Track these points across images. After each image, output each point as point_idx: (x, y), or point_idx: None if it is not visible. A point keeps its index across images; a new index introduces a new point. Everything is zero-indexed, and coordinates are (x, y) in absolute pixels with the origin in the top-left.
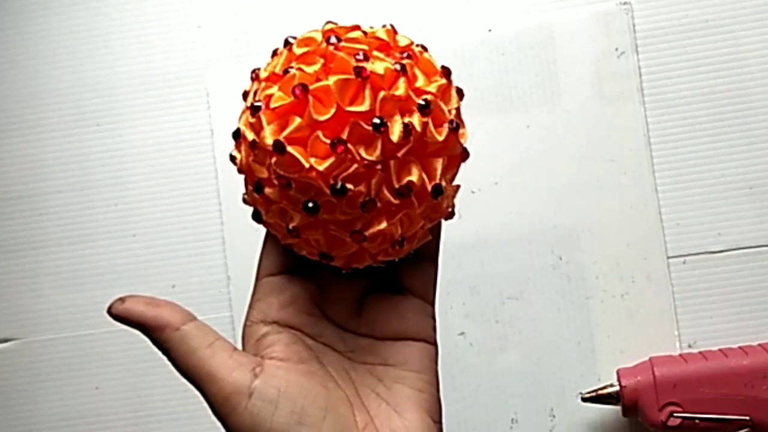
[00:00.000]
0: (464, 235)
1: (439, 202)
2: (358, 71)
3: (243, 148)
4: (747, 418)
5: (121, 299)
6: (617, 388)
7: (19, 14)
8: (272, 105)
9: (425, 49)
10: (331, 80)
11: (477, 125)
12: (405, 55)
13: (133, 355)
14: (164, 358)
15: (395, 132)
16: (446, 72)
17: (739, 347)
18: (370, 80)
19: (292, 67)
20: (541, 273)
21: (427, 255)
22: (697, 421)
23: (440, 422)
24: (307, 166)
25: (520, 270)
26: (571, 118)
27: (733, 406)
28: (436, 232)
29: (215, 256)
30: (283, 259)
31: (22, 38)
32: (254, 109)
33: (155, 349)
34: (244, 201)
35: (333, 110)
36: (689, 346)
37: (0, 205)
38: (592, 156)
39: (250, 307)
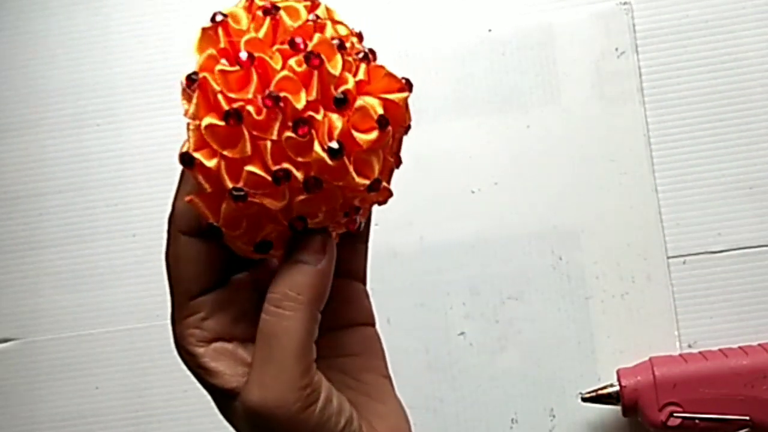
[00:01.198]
0: (464, 235)
1: (340, 163)
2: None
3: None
4: (747, 418)
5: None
6: (617, 388)
7: (19, 14)
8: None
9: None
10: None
11: (477, 125)
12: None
13: (133, 355)
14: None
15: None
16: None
17: (739, 347)
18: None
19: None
20: (541, 273)
21: (359, 236)
22: (697, 421)
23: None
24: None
25: (520, 270)
26: (571, 118)
27: (733, 406)
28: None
29: None
30: (210, 272)
31: (22, 38)
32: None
33: (155, 349)
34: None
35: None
36: (689, 346)
37: (0, 205)
38: (592, 156)
39: (186, 326)
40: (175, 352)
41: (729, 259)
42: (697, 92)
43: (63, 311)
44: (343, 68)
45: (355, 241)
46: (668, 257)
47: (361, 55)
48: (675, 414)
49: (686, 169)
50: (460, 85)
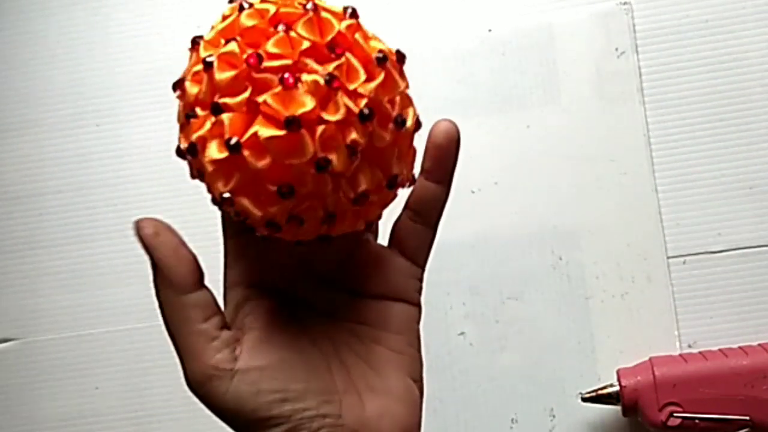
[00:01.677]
0: (464, 235)
1: (394, 192)
2: (290, 122)
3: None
4: (747, 418)
5: (156, 231)
6: (617, 388)
7: (19, 14)
8: (210, 157)
9: (357, 19)
10: (263, 134)
11: (477, 125)
12: (335, 52)
13: (133, 355)
14: (164, 358)
15: (339, 162)
16: (383, 58)
17: (739, 347)
18: (304, 126)
19: (219, 104)
20: (541, 273)
21: (428, 220)
22: (697, 421)
23: (421, 381)
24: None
25: (520, 270)
26: (571, 118)
27: (733, 406)
28: (442, 198)
29: (215, 256)
30: None
31: (22, 38)
32: (192, 150)
33: (155, 349)
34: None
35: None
36: (689, 346)
37: (0, 205)
38: (592, 156)
39: (228, 267)
40: (175, 352)
41: (729, 259)
42: (697, 92)
43: (63, 311)
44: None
45: (419, 221)
46: (668, 257)
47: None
48: (675, 414)
49: (686, 169)
50: (460, 85)
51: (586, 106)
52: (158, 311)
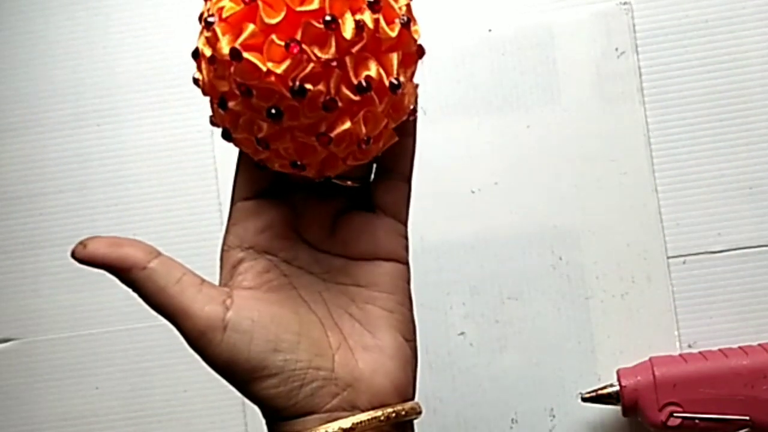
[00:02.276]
0: (464, 235)
1: (399, 98)
2: None
3: (203, 66)
4: (747, 418)
5: (83, 243)
6: (617, 388)
7: (19, 14)
8: (224, 15)
9: None
10: None
11: (477, 125)
12: None
13: (133, 355)
14: (164, 358)
15: (347, 29)
16: None
17: (739, 347)
18: None
19: None
20: (541, 273)
21: (399, 173)
22: (697, 421)
23: (413, 340)
24: (264, 70)
25: (520, 270)
26: (571, 118)
27: (733, 406)
28: (409, 148)
29: (215, 255)
30: (257, 182)
31: (22, 38)
32: (208, 24)
33: (155, 349)
34: (212, 123)
35: (283, 13)
36: (689, 346)
37: (0, 205)
38: (592, 156)
39: (227, 231)
40: (175, 352)
41: (729, 259)
42: (697, 92)
43: (63, 311)
44: None
45: (392, 177)
46: (668, 257)
47: None
48: (675, 414)
49: (686, 169)
50: (460, 85)
51: (586, 106)
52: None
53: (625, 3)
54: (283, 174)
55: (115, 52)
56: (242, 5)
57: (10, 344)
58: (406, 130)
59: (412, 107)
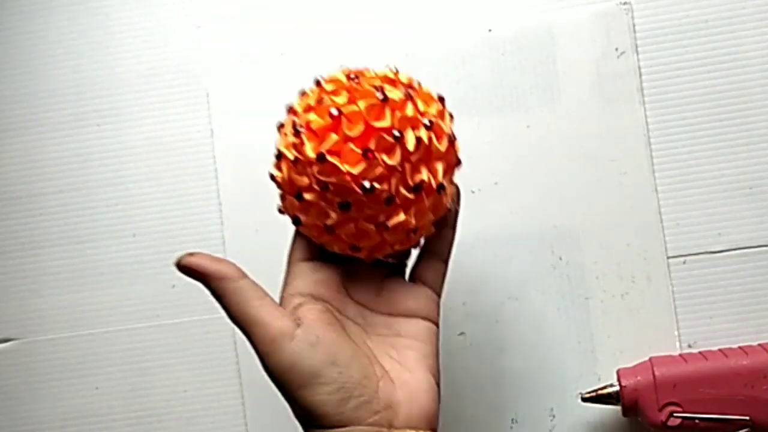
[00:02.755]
0: (464, 235)
1: (441, 198)
2: (382, 96)
3: (284, 166)
4: (747, 418)
5: (191, 254)
6: (617, 388)
7: (19, 14)
8: (312, 127)
9: (420, 84)
10: (361, 104)
11: (477, 125)
12: (409, 87)
13: (133, 355)
14: (164, 358)
15: (410, 142)
16: (441, 99)
17: (739, 347)
18: (389, 103)
19: (324, 99)
20: (541, 273)
21: (439, 256)
22: (697, 421)
23: (439, 385)
24: (344, 170)
25: (520, 270)
26: (571, 118)
27: (733, 406)
28: (449, 237)
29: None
30: (314, 248)
31: (22, 38)
32: (296, 132)
33: (155, 349)
34: (280, 211)
35: (362, 127)
36: (689, 346)
37: (0, 205)
38: (592, 156)
39: (286, 283)
40: (175, 352)
41: (729, 259)
42: (697, 92)
43: (63, 311)
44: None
45: (433, 258)
46: (668, 257)
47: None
48: (675, 414)
49: (686, 169)
50: (460, 85)
51: (586, 106)
52: (168, 312)
53: (625, 3)
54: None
55: (115, 52)
56: (328, 119)
57: (10, 344)
58: (447, 222)
59: (449, 206)
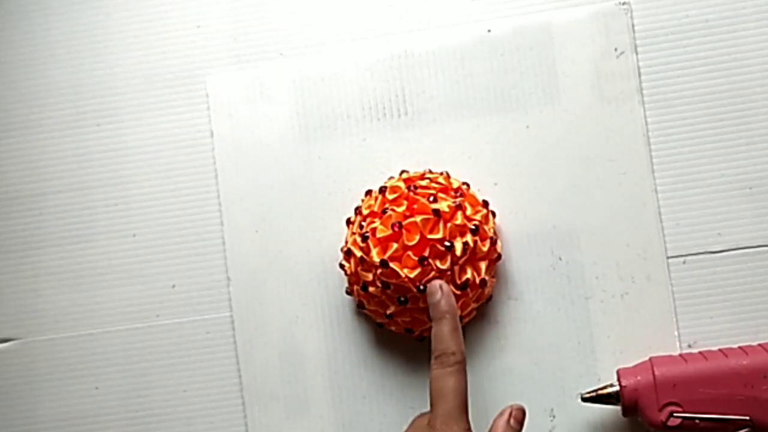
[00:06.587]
0: None
1: (484, 290)
2: (436, 212)
3: (352, 261)
4: (747, 418)
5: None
6: (617, 388)
7: (19, 14)
8: (378, 235)
9: (468, 185)
10: (418, 219)
11: (477, 125)
12: (458, 194)
13: (133, 355)
14: (164, 358)
15: (459, 249)
16: (486, 203)
17: (739, 347)
18: (441, 215)
19: (387, 209)
20: (541, 273)
21: None
22: (697, 421)
23: None
24: (403, 275)
25: (520, 270)
26: (571, 118)
27: (733, 406)
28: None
29: (215, 256)
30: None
31: (22, 38)
32: (364, 238)
33: (155, 349)
34: (347, 293)
35: (419, 238)
36: (689, 346)
37: (0, 205)
38: (592, 156)
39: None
40: (175, 352)
41: (729, 259)
42: (697, 92)
43: (63, 311)
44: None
45: None
46: (668, 257)
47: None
48: (675, 414)
49: (686, 169)
50: (460, 85)
51: (586, 106)
52: (168, 312)
53: (624, 3)
54: None
55: (115, 52)
56: (390, 230)
57: (10, 344)
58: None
59: (491, 294)
